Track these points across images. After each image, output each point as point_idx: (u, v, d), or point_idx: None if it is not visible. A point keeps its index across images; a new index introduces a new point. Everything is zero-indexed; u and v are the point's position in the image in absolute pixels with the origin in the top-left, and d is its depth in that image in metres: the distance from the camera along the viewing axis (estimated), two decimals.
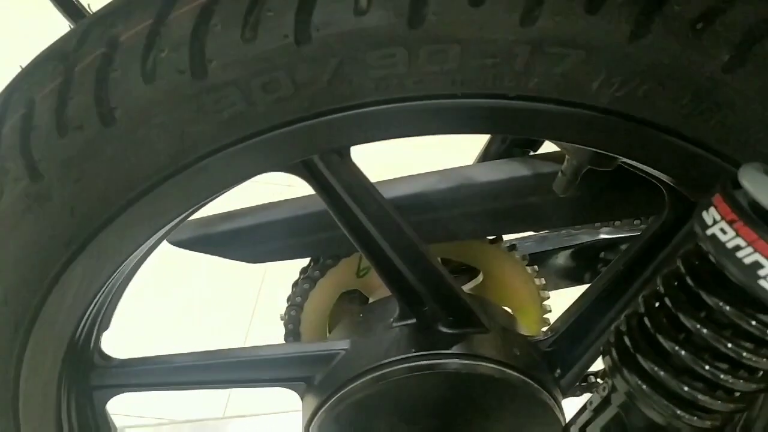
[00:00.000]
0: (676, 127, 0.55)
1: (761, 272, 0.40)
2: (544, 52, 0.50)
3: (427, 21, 0.49)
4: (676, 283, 0.47)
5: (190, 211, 0.60)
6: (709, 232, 0.42)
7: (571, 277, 0.98)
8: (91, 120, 0.51)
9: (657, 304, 0.48)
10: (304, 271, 0.90)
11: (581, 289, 0.82)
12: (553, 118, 0.55)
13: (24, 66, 0.56)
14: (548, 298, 0.93)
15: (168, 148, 0.53)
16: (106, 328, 0.71)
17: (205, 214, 0.83)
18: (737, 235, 0.41)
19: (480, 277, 0.92)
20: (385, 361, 0.70)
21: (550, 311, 0.94)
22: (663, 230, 0.69)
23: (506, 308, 0.91)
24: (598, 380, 0.91)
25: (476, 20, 0.49)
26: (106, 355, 0.73)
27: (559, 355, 0.76)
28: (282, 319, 0.95)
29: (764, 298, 0.40)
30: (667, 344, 0.47)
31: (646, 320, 0.48)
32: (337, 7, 0.48)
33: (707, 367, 0.45)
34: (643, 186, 0.68)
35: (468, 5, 0.48)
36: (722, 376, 0.46)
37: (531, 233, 0.99)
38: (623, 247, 0.94)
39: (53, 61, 0.52)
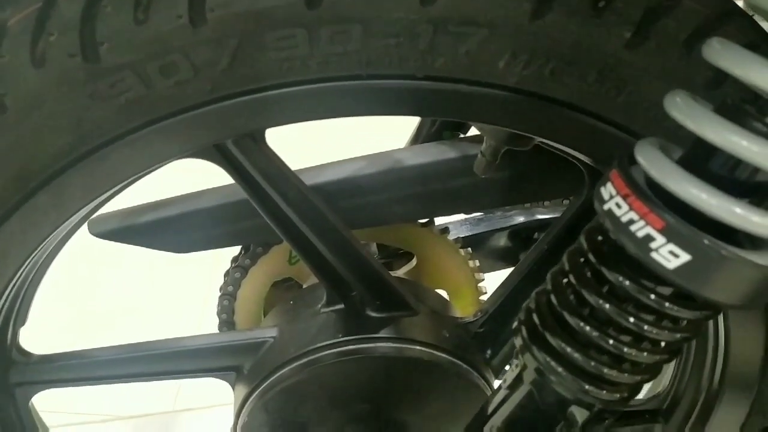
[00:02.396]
0: (584, 105, 0.55)
1: (653, 245, 0.40)
2: (447, 31, 0.50)
3: (324, 1, 0.48)
4: (580, 260, 0.47)
5: (99, 201, 0.58)
6: (605, 206, 0.43)
7: (505, 259, 0.99)
8: None
9: (563, 281, 0.48)
10: (235, 260, 0.89)
11: None
12: (463, 98, 0.54)
13: None
14: (483, 280, 0.94)
15: (65, 136, 0.51)
16: (23, 323, 0.69)
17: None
18: (630, 209, 0.41)
19: (414, 261, 0.92)
20: (313, 347, 0.69)
21: (485, 293, 0.94)
22: (583, 208, 0.70)
23: (441, 291, 0.91)
24: None
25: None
26: (24, 350, 0.71)
27: (489, 336, 0.77)
28: (216, 311, 0.93)
29: (657, 271, 0.40)
30: (572, 320, 0.47)
31: (553, 297, 0.48)
32: None
33: (612, 342, 0.46)
34: (565, 166, 0.68)
35: None
36: (626, 349, 0.46)
37: (466, 216, 1.00)
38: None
39: None
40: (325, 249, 0.69)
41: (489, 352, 0.77)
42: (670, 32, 0.52)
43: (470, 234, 0.96)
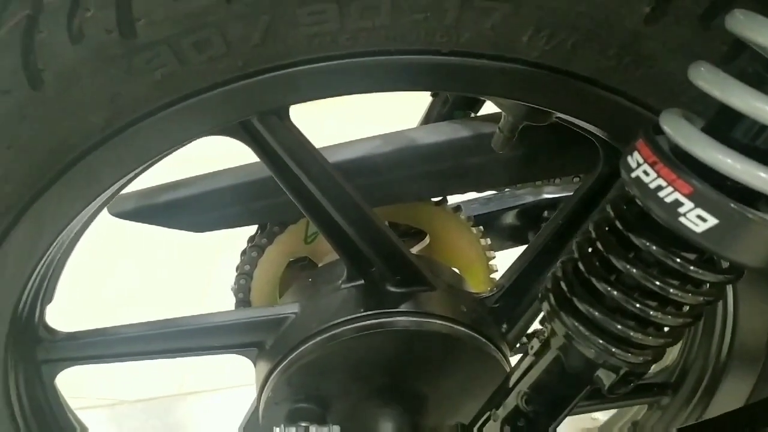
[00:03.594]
0: (604, 80, 0.57)
1: (681, 209, 0.42)
2: (473, 6, 0.51)
3: None
4: (606, 228, 0.49)
5: (128, 177, 0.59)
6: (633, 174, 0.44)
7: (515, 237, 1.01)
8: (19, 83, 0.50)
9: (590, 249, 0.50)
10: (251, 239, 0.90)
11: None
12: (487, 73, 0.56)
13: None
14: (494, 257, 0.95)
15: (100, 111, 0.52)
16: (50, 300, 0.70)
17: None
18: (659, 176, 0.42)
19: (427, 239, 0.93)
20: (334, 322, 0.71)
21: (496, 271, 0.96)
22: (598, 184, 0.71)
23: (453, 268, 0.92)
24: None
25: None
26: (51, 328, 0.72)
27: (504, 311, 0.78)
28: (232, 289, 0.95)
29: (685, 235, 0.42)
30: (600, 286, 0.48)
31: (580, 265, 0.50)
32: None
33: (638, 305, 0.47)
34: (579, 143, 0.70)
35: None
36: (652, 312, 0.48)
37: (476, 195, 1.01)
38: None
39: None
40: (346, 225, 0.70)
41: (505, 326, 0.78)
42: (687, 7, 0.53)
43: (482, 213, 0.97)
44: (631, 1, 0.52)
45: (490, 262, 0.95)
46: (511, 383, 0.56)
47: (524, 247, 0.82)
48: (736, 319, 0.81)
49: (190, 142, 0.58)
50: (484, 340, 0.74)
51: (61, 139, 0.53)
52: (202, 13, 0.49)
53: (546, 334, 0.52)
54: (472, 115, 0.92)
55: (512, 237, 1.00)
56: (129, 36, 0.49)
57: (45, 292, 0.68)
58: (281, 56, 0.52)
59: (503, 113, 0.69)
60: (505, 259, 0.92)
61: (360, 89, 0.57)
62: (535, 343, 0.54)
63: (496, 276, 0.96)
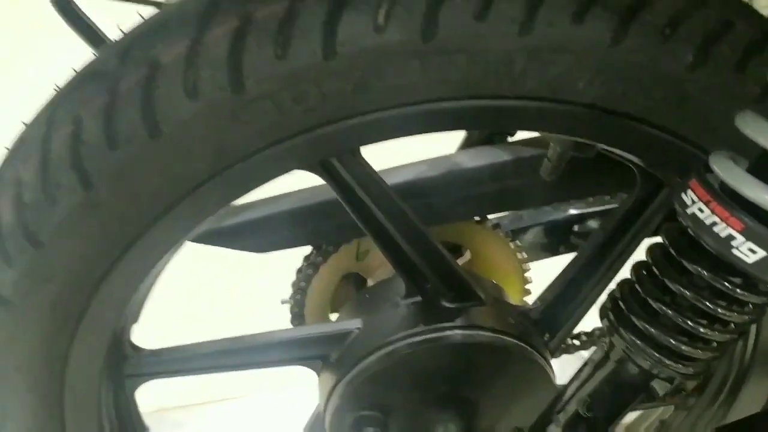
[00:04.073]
0: (649, 118, 0.63)
1: (734, 243, 0.48)
2: (540, 58, 0.58)
3: (438, 35, 0.55)
4: (661, 254, 0.55)
5: (223, 207, 0.66)
6: (689, 211, 0.51)
7: (547, 250, 1.07)
8: (139, 134, 0.56)
9: (645, 272, 0.56)
10: (307, 258, 0.96)
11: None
12: (545, 113, 0.62)
13: (61, 86, 0.61)
14: (529, 270, 1.02)
15: (208, 155, 0.59)
16: (136, 321, 0.77)
17: None
18: (713, 213, 0.49)
19: (468, 255, 1.00)
20: (397, 336, 0.77)
21: (531, 282, 1.03)
22: (635, 206, 0.78)
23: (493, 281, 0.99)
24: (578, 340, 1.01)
25: (481, 33, 0.56)
26: (136, 346, 0.79)
27: (546, 322, 0.85)
28: (285, 302, 1.02)
29: (737, 265, 0.49)
30: (655, 305, 0.55)
31: (638, 287, 0.56)
32: (358, 25, 0.55)
33: (690, 323, 0.54)
34: (615, 167, 0.76)
35: (473, 20, 0.55)
36: (701, 329, 0.54)
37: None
38: (592, 222, 1.03)
39: (96, 80, 0.57)
40: (406, 245, 0.76)
41: (547, 335, 0.85)
42: (724, 55, 0.60)
43: (517, 227, 1.04)
44: (677, 53, 0.59)
45: (526, 274, 1.02)
46: (572, 391, 0.63)
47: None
48: (759, 324, 0.87)
49: (279, 176, 0.64)
50: (530, 349, 0.80)
51: (171, 180, 0.59)
52: (304, 70, 0.55)
53: (605, 348, 0.59)
54: (509, 139, 0.99)
55: (544, 249, 1.07)
56: (238, 92, 0.55)
57: (134, 313, 0.75)
58: (365, 104, 0.59)
59: (552, 144, 0.75)
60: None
61: (430, 130, 0.63)
62: (595, 356, 0.61)
63: (530, 286, 1.03)
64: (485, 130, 0.91)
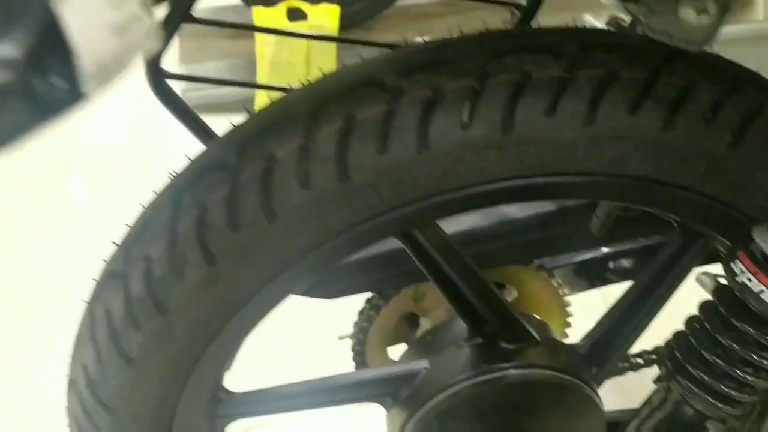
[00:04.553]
0: (693, 187, 0.72)
1: None
2: (600, 144, 0.67)
3: (514, 129, 0.64)
4: (713, 312, 0.64)
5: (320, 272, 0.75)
6: (739, 279, 0.60)
7: (584, 285, 1.16)
8: (258, 218, 0.66)
9: (699, 327, 0.65)
10: (369, 301, 1.05)
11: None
12: (601, 185, 0.71)
13: (178, 173, 0.71)
14: (570, 305, 1.11)
15: (314, 232, 0.68)
16: (230, 368, 0.86)
17: None
18: (761, 283, 0.58)
19: (514, 293, 1.09)
20: (463, 376, 0.86)
21: (572, 316, 1.12)
22: (675, 254, 0.87)
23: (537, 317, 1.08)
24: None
25: (550, 126, 0.65)
26: (227, 390, 0.87)
27: (593, 357, 0.94)
28: (342, 338, 1.11)
29: None
30: (708, 356, 0.64)
31: (692, 339, 0.65)
32: (447, 123, 0.64)
33: (739, 372, 0.63)
34: (654, 218, 0.85)
35: (544, 116, 0.64)
36: (749, 378, 0.63)
37: None
38: (626, 259, 1.12)
39: (217, 171, 0.67)
40: (468, 293, 0.85)
41: (595, 369, 0.94)
42: (759, 133, 0.69)
43: (557, 265, 1.13)
44: (717, 134, 0.68)
45: (567, 309, 1.11)
46: (634, 428, 0.72)
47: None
48: None
49: (366, 246, 0.73)
50: (582, 384, 0.89)
51: (281, 253, 0.68)
52: (400, 163, 0.64)
53: (663, 392, 0.68)
54: None
55: (582, 284, 1.16)
56: (344, 181, 0.65)
57: (230, 361, 0.84)
58: (449, 184, 0.68)
59: (601, 204, 0.85)
60: None
61: (498, 203, 0.73)
62: (654, 399, 0.70)
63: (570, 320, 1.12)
64: (548, 200, 1.00)
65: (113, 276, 0.73)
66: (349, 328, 1.11)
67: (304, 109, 0.65)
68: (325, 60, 2.26)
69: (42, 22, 0.24)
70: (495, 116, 0.64)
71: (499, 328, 0.89)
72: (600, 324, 0.94)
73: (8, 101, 0.25)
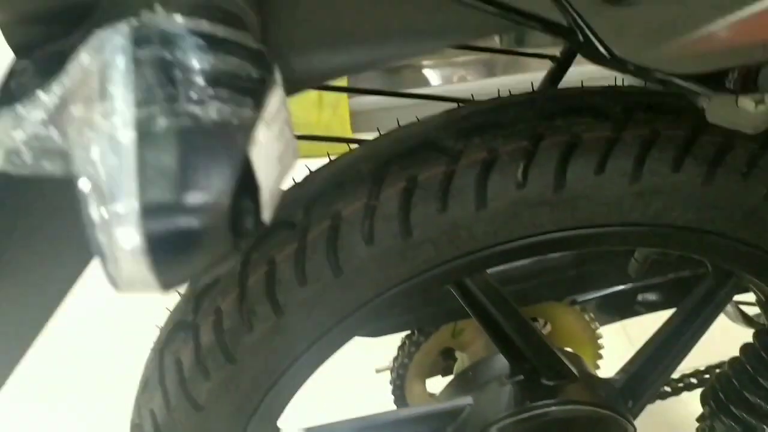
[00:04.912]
0: (730, 234, 0.76)
1: None
2: (644, 198, 0.71)
3: (566, 187, 0.69)
4: (755, 357, 0.68)
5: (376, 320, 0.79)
6: None
7: (614, 317, 1.20)
8: (325, 274, 0.70)
9: (740, 369, 0.69)
10: (409, 337, 1.09)
11: None
12: (645, 234, 0.76)
13: None
14: (601, 337, 1.15)
15: (380, 284, 0.72)
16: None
17: None
18: None
19: (548, 327, 1.13)
20: (507, 413, 0.90)
21: (603, 347, 1.16)
22: (706, 294, 0.91)
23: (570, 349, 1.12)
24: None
25: (598, 183, 0.69)
26: (279, 428, 0.91)
27: (629, 391, 0.97)
28: (379, 371, 1.15)
29: None
30: (751, 398, 0.68)
31: (735, 380, 0.69)
32: (503, 184, 0.68)
33: None
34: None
35: (593, 175, 0.69)
36: None
37: None
38: (654, 293, 1.16)
39: (286, 228, 0.71)
40: (511, 331, 0.89)
41: (631, 402, 0.98)
42: None
43: (588, 299, 1.17)
44: (754, 186, 0.72)
45: (599, 341, 1.15)
46: None
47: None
48: None
49: (421, 295, 0.78)
50: (620, 417, 0.93)
51: (344, 304, 0.73)
52: (460, 220, 0.69)
53: (708, 429, 0.72)
54: None
55: (612, 317, 1.20)
56: (406, 238, 0.69)
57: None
58: (502, 237, 0.72)
59: (638, 250, 0.89)
60: None
61: (547, 252, 0.77)
62: None
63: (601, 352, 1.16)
64: (593, 249, 1.05)
65: (182, 327, 0.77)
66: (381, 360, 1.15)
67: (368, 170, 0.69)
68: (338, 103, 2.28)
69: (240, 168, 0.29)
70: (547, 176, 0.68)
71: (540, 365, 0.93)
72: (635, 359, 0.98)
73: (216, 241, 0.29)
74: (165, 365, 0.78)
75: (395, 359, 1.11)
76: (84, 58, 0.30)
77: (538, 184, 0.68)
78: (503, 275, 1.00)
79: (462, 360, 1.12)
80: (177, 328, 0.78)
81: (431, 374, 1.16)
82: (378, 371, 1.22)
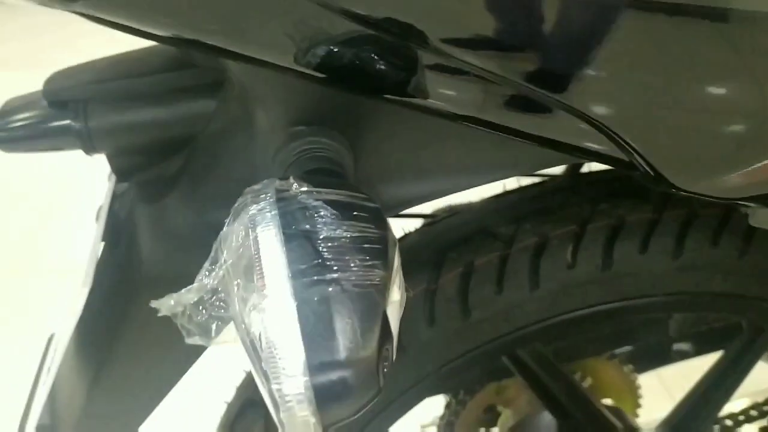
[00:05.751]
0: (764, 296, 0.81)
1: None
2: (685, 271, 0.76)
3: (612, 267, 0.74)
4: None
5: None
6: None
7: (650, 367, 1.24)
8: (419, 332, 0.74)
9: None
10: (455, 395, 1.14)
11: None
12: (686, 302, 0.80)
13: None
14: (640, 387, 1.19)
15: (437, 362, 0.77)
16: None
17: None
18: None
19: (589, 380, 1.17)
20: None
21: (642, 397, 1.20)
22: (742, 349, 0.95)
23: (609, 400, 1.16)
24: None
25: (643, 261, 0.74)
26: None
27: None
28: (425, 427, 1.19)
29: None
30: None
31: None
32: (554, 266, 0.73)
33: None
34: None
35: (638, 254, 0.74)
36: None
37: None
38: (688, 342, 1.20)
39: None
40: (558, 391, 0.94)
41: None
42: None
43: (625, 351, 1.21)
44: None
45: (638, 391, 1.19)
46: None
47: None
48: None
49: (480, 367, 0.82)
50: None
51: (407, 378, 0.77)
52: (515, 301, 0.74)
53: None
54: None
55: (648, 366, 1.24)
56: (466, 318, 0.74)
57: None
58: (552, 312, 0.77)
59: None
60: None
61: (596, 323, 0.81)
62: None
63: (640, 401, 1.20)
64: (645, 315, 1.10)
65: (252, 405, 0.82)
66: (424, 416, 1.20)
67: (427, 258, 0.75)
68: None
69: (382, 324, 0.34)
70: (595, 257, 0.73)
71: (585, 421, 0.97)
72: (676, 410, 1.02)
73: (368, 386, 0.34)
74: None
75: (441, 417, 1.15)
76: (239, 233, 0.35)
77: (587, 265, 0.73)
78: (546, 335, 1.05)
79: (505, 414, 1.16)
80: (246, 405, 0.83)
81: (475, 429, 1.19)
82: (423, 427, 1.26)
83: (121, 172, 0.60)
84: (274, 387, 0.33)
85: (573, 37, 0.39)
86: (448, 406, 1.15)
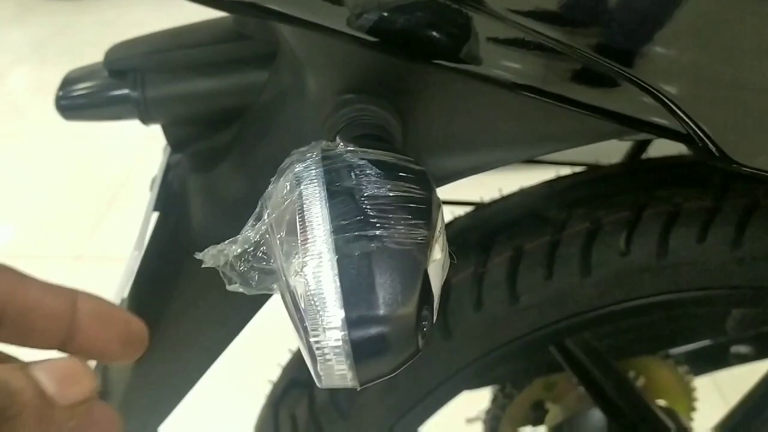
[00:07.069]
0: None
1: None
2: (745, 263, 0.73)
3: (668, 256, 0.71)
4: None
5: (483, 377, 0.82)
6: None
7: (706, 370, 1.20)
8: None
9: None
10: (502, 389, 1.12)
11: None
12: (746, 296, 0.77)
13: None
14: (695, 389, 1.15)
15: (485, 347, 0.76)
16: None
17: None
18: None
19: (642, 380, 1.13)
20: None
21: (697, 399, 1.16)
22: None
23: (664, 402, 1.13)
24: None
25: (701, 251, 0.72)
26: None
27: None
28: (471, 421, 1.18)
29: None
30: None
31: None
32: (607, 252, 0.71)
33: None
34: None
35: (696, 243, 0.71)
36: None
37: None
38: (745, 345, 1.15)
39: None
40: (609, 387, 0.92)
41: None
42: None
43: (681, 352, 1.17)
44: None
45: (693, 394, 1.15)
46: None
47: None
48: None
49: (524, 357, 0.81)
50: None
51: (453, 364, 0.77)
52: (565, 287, 0.72)
53: None
54: None
55: (704, 370, 1.20)
56: (514, 304, 0.73)
57: None
58: (600, 302, 0.75)
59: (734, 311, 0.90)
60: None
61: (650, 315, 0.79)
62: None
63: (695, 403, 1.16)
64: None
65: (297, 384, 0.83)
66: (469, 410, 1.18)
67: (476, 240, 0.74)
68: None
69: (422, 283, 0.34)
70: (650, 245, 0.71)
71: (637, 420, 0.94)
72: (728, 418, 0.98)
73: (406, 344, 0.34)
74: (280, 421, 0.83)
75: (488, 411, 1.14)
76: (283, 189, 0.35)
77: (641, 253, 0.71)
78: (599, 330, 1.02)
79: (554, 411, 1.14)
80: (290, 385, 0.84)
81: (522, 425, 1.17)
82: (469, 421, 1.24)
83: (175, 142, 0.62)
84: (312, 340, 0.33)
85: (647, 8, 0.38)
86: (494, 399, 1.13)
